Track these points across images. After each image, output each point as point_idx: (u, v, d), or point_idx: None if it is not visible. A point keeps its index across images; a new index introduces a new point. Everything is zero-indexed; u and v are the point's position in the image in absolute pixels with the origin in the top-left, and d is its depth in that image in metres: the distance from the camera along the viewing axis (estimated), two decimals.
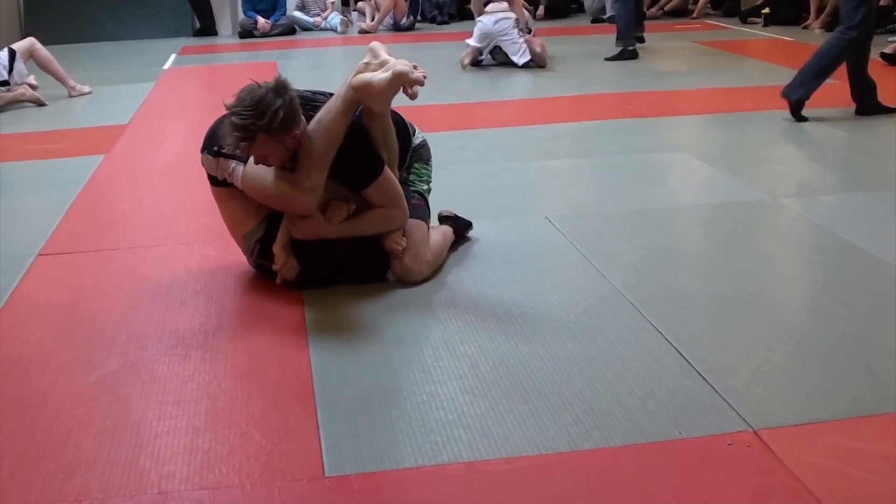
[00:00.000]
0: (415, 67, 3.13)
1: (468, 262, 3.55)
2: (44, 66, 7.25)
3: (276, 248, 3.25)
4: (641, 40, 9.09)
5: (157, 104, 7.06)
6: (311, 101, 3.20)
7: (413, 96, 3.15)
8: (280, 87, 2.98)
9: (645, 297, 3.18)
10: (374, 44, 3.23)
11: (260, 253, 3.31)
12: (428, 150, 3.62)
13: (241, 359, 2.86)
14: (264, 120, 2.91)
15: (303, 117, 3.07)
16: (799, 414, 2.43)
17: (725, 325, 2.98)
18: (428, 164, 3.60)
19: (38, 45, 7.22)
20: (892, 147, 5.01)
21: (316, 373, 2.74)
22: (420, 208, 3.45)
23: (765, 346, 2.81)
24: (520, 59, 7.89)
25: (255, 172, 3.12)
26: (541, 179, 4.81)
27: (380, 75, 3.07)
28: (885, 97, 6.27)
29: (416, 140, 3.54)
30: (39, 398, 2.64)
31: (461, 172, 4.78)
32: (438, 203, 3.84)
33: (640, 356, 2.76)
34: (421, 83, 3.12)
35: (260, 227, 3.29)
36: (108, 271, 3.63)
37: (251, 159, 3.09)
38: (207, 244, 3.75)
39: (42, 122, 6.53)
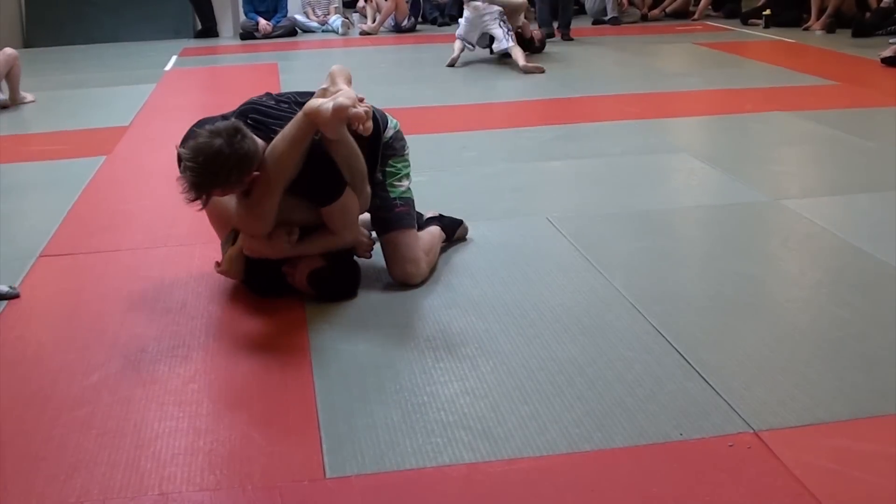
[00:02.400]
0: (361, 100, 3.06)
1: (469, 263, 3.55)
2: (8, 75, 6.95)
3: (229, 254, 3.28)
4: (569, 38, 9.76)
5: (158, 106, 7.06)
6: (277, 119, 3.16)
7: (365, 132, 3.04)
8: (232, 134, 2.92)
9: (646, 298, 3.18)
10: (335, 68, 3.22)
11: None
12: (402, 139, 3.50)
13: (242, 360, 2.86)
14: (220, 178, 2.92)
15: (261, 147, 3.02)
16: (800, 415, 2.43)
17: (726, 326, 2.99)
18: (404, 155, 3.50)
19: (18, 62, 6.93)
20: (892, 147, 5.01)
21: (317, 374, 2.74)
22: (405, 215, 3.40)
23: (766, 348, 2.81)
24: (505, 43, 8.06)
25: (212, 201, 3.10)
26: (542, 181, 4.81)
27: (326, 104, 3.01)
28: (884, 99, 6.29)
29: (388, 132, 3.44)
30: (40, 399, 2.64)
31: (462, 174, 4.78)
32: (440, 205, 3.84)
33: (641, 357, 2.76)
34: (361, 120, 3.00)
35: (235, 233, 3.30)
36: (109, 273, 3.63)
37: None
38: (208, 245, 3.75)
39: (43, 123, 6.54)
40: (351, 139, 3.19)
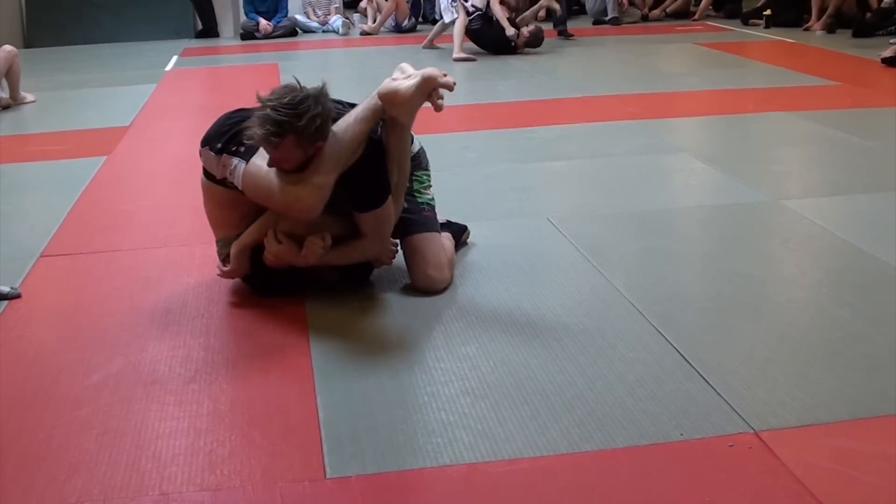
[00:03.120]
0: (444, 75, 3.09)
1: (470, 264, 3.55)
2: (7, 73, 6.93)
3: (233, 250, 3.21)
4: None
5: (158, 106, 7.07)
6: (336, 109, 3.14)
7: (438, 108, 3.10)
8: (322, 96, 2.92)
9: (646, 298, 3.18)
10: (404, 64, 3.19)
11: (225, 263, 3.29)
12: (426, 156, 3.57)
13: (242, 360, 2.86)
14: (301, 122, 2.84)
15: (331, 129, 3.00)
16: (800, 415, 2.43)
17: (727, 326, 2.98)
18: (427, 170, 3.56)
19: (17, 60, 6.90)
20: (893, 147, 5.01)
21: (317, 374, 2.74)
22: (432, 220, 3.41)
23: (766, 348, 2.81)
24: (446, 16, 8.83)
25: (256, 171, 3.02)
26: (542, 181, 4.81)
27: (407, 82, 3.04)
28: (885, 99, 6.29)
29: (415, 148, 3.49)
30: (41, 399, 2.65)
31: (463, 174, 4.78)
32: (440, 205, 3.83)
33: (642, 358, 2.76)
34: (450, 87, 3.08)
35: (235, 238, 3.24)
36: (109, 273, 3.63)
37: (253, 158, 3.03)
38: (209, 246, 3.73)
39: (43, 123, 6.54)
40: (409, 137, 3.22)
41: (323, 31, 11.51)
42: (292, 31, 11.32)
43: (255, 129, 2.89)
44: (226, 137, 3.11)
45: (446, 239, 3.51)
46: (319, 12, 11.69)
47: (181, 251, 3.79)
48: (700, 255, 3.74)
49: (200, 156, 3.22)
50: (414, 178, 3.45)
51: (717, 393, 2.55)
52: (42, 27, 10.98)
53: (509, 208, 4.23)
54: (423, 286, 3.30)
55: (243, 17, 11.30)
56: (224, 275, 3.29)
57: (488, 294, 3.28)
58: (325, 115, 2.91)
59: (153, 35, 11.12)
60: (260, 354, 2.90)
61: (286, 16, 11.30)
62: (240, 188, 3.10)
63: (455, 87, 3.12)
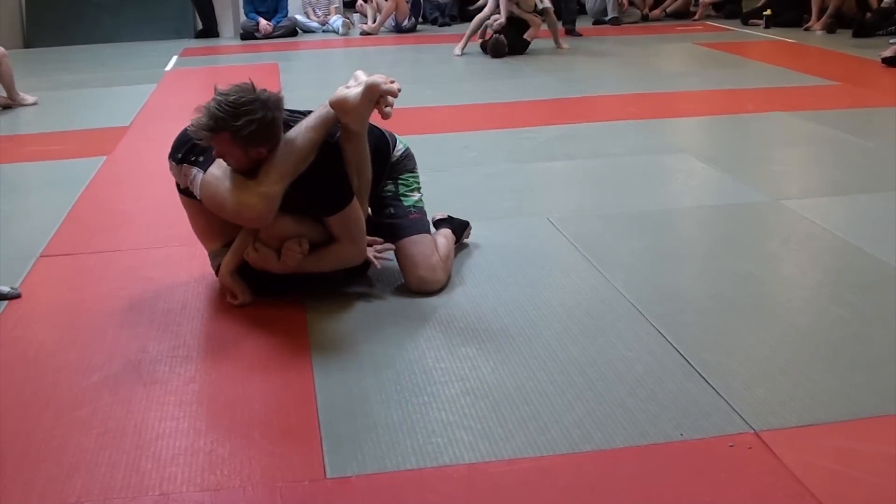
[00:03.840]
0: (391, 82, 3.09)
1: (470, 264, 3.55)
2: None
3: (225, 280, 3.22)
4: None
5: (158, 106, 7.07)
6: (287, 121, 3.12)
7: (386, 116, 3.10)
8: (271, 102, 2.93)
9: (646, 298, 3.18)
10: (359, 71, 3.18)
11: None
12: (412, 158, 3.55)
13: (242, 360, 2.86)
14: (237, 122, 2.86)
15: (280, 137, 2.99)
16: (800, 415, 2.43)
17: (727, 326, 2.99)
18: (414, 172, 3.54)
19: (6, 60, 6.83)
20: (893, 147, 5.01)
21: (317, 374, 2.74)
22: (420, 222, 3.41)
23: (766, 348, 2.81)
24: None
25: (212, 179, 3.03)
26: (542, 181, 4.81)
27: (355, 90, 3.05)
28: (885, 99, 6.29)
29: (398, 151, 3.48)
30: (41, 399, 2.65)
31: (463, 174, 4.78)
32: (440, 205, 3.84)
33: (642, 358, 2.76)
34: (394, 94, 3.08)
35: (224, 251, 3.26)
36: (109, 273, 3.63)
37: (210, 167, 3.04)
38: None
39: (43, 123, 6.54)
40: (367, 143, 3.19)
41: (323, 31, 11.51)
42: (292, 31, 11.33)
43: (196, 118, 2.92)
44: (185, 148, 3.15)
45: (442, 237, 3.51)
46: (319, 12, 11.70)
47: (181, 251, 3.78)
48: (700, 255, 3.74)
49: (170, 169, 3.26)
50: (400, 181, 3.46)
51: (718, 393, 2.55)
52: (42, 27, 10.99)
53: (509, 208, 4.23)
54: (416, 289, 3.30)
55: (243, 17, 11.31)
56: (236, 303, 3.24)
57: (488, 294, 3.28)
58: (267, 122, 2.90)
59: (153, 35, 11.13)
60: (260, 354, 2.89)
61: (286, 16, 11.31)
62: (198, 197, 3.12)
63: (400, 94, 3.11)
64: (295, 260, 3.11)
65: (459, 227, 3.70)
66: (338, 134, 3.13)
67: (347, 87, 3.11)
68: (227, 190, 2.99)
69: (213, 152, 3.00)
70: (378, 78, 3.07)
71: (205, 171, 3.07)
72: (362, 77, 3.13)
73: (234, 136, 2.88)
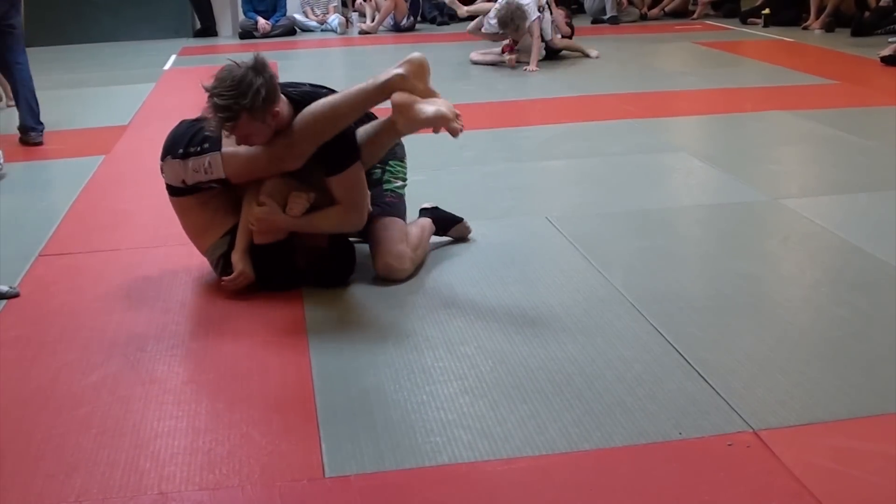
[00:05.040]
0: (457, 116, 3.16)
1: (468, 263, 3.55)
2: None
3: (234, 257, 3.26)
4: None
5: (157, 105, 7.06)
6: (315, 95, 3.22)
7: (454, 135, 3.17)
8: (259, 66, 3.02)
9: (645, 297, 3.18)
10: (417, 56, 3.22)
11: (223, 268, 3.32)
12: (402, 147, 3.61)
13: (241, 359, 2.86)
14: (247, 99, 2.95)
15: (282, 95, 3.10)
16: (799, 414, 2.43)
17: (726, 325, 2.99)
18: (403, 161, 3.60)
19: None
20: (892, 146, 5.01)
21: (316, 373, 2.74)
22: (395, 206, 3.46)
23: (765, 347, 2.81)
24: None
25: (235, 151, 3.14)
26: (541, 180, 4.81)
27: (425, 109, 3.13)
28: (884, 98, 6.29)
29: None
30: (40, 399, 2.64)
31: (461, 173, 4.78)
32: (439, 204, 3.84)
33: (641, 357, 2.76)
34: (453, 134, 3.15)
35: (223, 241, 3.30)
36: (108, 272, 3.63)
37: (223, 145, 3.13)
38: None
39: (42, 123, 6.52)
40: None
41: (321, 31, 11.50)
42: (291, 30, 11.32)
43: (210, 120, 3.03)
44: (184, 142, 3.22)
45: (416, 227, 3.53)
46: (318, 11, 11.69)
47: (180, 250, 3.78)
48: (699, 255, 3.74)
49: (162, 171, 3.32)
50: (388, 168, 3.50)
51: (716, 392, 2.55)
52: (41, 26, 10.96)
53: (508, 207, 4.23)
54: (382, 274, 3.35)
55: (242, 16, 11.29)
56: (230, 283, 3.28)
57: (487, 293, 3.28)
58: (268, 83, 3.01)
59: (152, 34, 11.12)
60: (259, 353, 2.89)
61: (285, 15, 11.29)
62: (222, 176, 3.19)
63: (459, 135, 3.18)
64: (301, 208, 3.19)
65: (444, 221, 3.70)
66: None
67: (403, 77, 3.15)
68: (263, 150, 3.13)
69: (237, 142, 3.10)
70: (449, 112, 3.13)
71: (219, 150, 3.16)
72: (427, 79, 3.20)
73: (251, 113, 2.98)
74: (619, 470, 2.25)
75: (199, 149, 3.19)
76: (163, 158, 3.29)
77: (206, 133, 3.16)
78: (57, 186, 4.85)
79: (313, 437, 2.40)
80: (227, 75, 3.00)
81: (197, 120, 3.27)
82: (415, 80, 3.18)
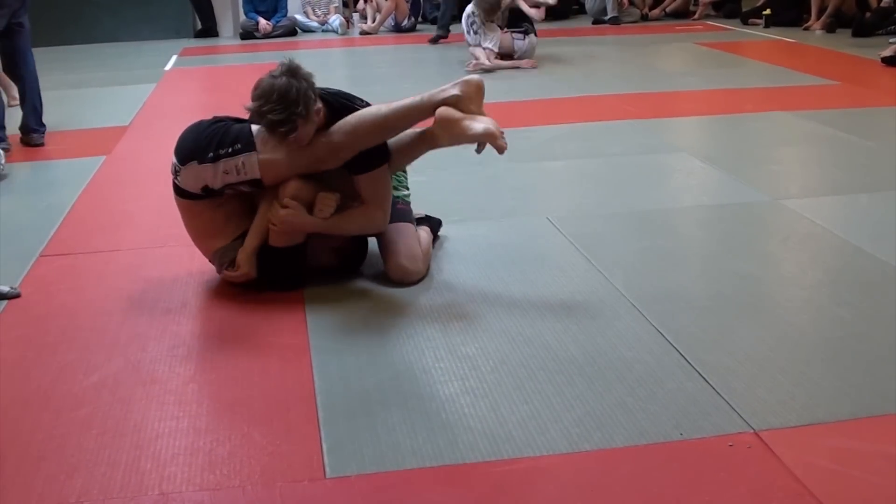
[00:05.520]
0: (501, 134, 3.23)
1: (469, 263, 3.56)
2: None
3: (240, 256, 3.26)
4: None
5: (158, 105, 7.07)
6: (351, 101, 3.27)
7: (499, 151, 3.27)
8: (294, 70, 3.08)
9: (646, 298, 3.18)
10: (476, 79, 3.30)
11: (228, 267, 3.32)
12: None
13: (242, 360, 2.86)
14: (300, 107, 3.02)
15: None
16: (800, 415, 2.43)
17: (726, 326, 2.98)
18: (405, 170, 3.64)
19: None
20: (893, 147, 5.01)
21: (317, 374, 2.74)
22: (406, 212, 3.50)
23: (766, 347, 2.81)
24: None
25: (273, 154, 3.14)
26: (542, 180, 4.81)
27: (474, 126, 3.21)
28: (885, 98, 6.29)
29: None
30: (41, 399, 2.65)
31: (462, 173, 4.78)
32: (439, 205, 3.85)
33: (641, 357, 2.76)
34: (500, 151, 3.25)
35: (233, 245, 3.28)
36: (109, 272, 3.63)
37: (257, 147, 3.13)
38: None
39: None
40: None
41: (322, 31, 11.51)
42: (292, 30, 11.33)
43: (271, 137, 3.10)
44: (213, 145, 3.16)
45: (423, 232, 3.57)
46: (319, 12, 11.69)
47: (181, 251, 3.78)
48: (699, 255, 3.74)
49: (178, 174, 3.22)
50: (393, 177, 3.51)
51: (717, 392, 2.55)
52: (41, 26, 10.94)
53: (509, 208, 4.23)
54: (396, 277, 3.34)
55: (243, 17, 11.30)
56: (232, 278, 3.30)
57: (488, 293, 3.28)
58: (311, 86, 3.09)
59: (152, 34, 11.13)
60: (260, 354, 2.89)
61: (286, 15, 11.30)
62: (257, 177, 3.16)
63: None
64: (330, 209, 3.21)
65: (436, 226, 3.78)
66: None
67: (458, 97, 3.23)
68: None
69: (292, 145, 3.12)
70: (495, 130, 3.21)
71: (252, 150, 3.15)
72: (481, 102, 3.30)
73: (306, 119, 3.06)
74: (620, 470, 2.25)
75: (230, 150, 3.14)
76: (183, 163, 3.19)
77: (235, 134, 3.17)
78: (58, 187, 4.86)
79: (314, 437, 2.40)
80: (271, 90, 3.03)
81: (217, 120, 3.26)
82: (468, 102, 3.25)
